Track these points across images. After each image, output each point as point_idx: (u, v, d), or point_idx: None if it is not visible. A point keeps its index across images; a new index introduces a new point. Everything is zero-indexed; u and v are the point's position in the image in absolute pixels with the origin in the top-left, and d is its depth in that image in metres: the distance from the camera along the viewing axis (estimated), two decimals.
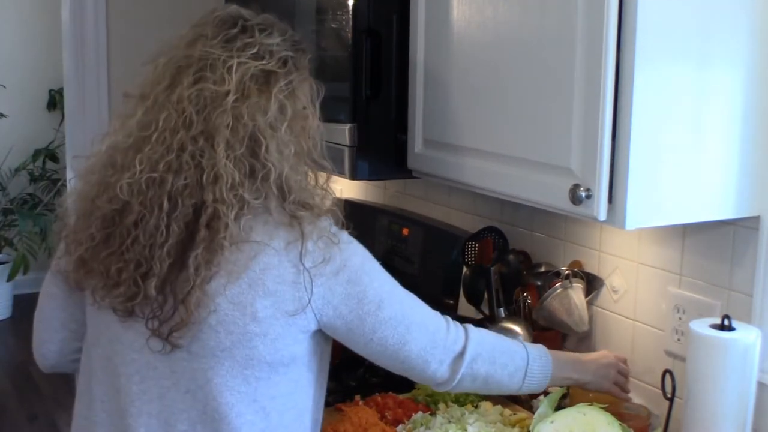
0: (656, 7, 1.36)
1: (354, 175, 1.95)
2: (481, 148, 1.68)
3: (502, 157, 1.63)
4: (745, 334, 1.52)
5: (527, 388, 1.59)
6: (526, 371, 1.56)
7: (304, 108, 1.43)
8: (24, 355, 5.19)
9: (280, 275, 1.35)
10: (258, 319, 1.35)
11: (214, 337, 1.36)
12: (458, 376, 1.49)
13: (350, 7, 1.91)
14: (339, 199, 1.50)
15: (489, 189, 1.69)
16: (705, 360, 1.52)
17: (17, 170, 5.72)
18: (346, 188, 2.84)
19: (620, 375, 1.73)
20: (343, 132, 1.94)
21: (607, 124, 1.39)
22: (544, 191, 1.53)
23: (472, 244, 2.11)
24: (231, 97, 1.33)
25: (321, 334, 1.44)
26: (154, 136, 1.34)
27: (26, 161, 5.72)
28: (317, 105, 1.47)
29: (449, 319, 1.52)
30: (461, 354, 1.49)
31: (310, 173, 1.43)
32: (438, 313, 1.51)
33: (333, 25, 2.01)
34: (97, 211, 1.38)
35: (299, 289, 1.36)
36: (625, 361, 1.76)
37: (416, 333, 1.45)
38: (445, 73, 1.77)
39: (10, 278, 5.40)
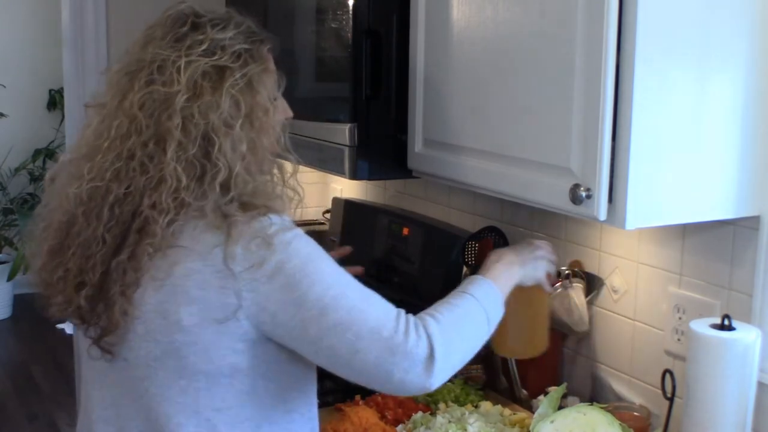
0: (656, 7, 1.36)
1: (354, 175, 1.95)
2: (481, 148, 1.68)
3: (502, 157, 1.63)
4: (745, 334, 1.52)
5: (494, 326, 1.48)
6: (487, 319, 1.45)
7: (264, 101, 1.38)
8: (24, 355, 5.20)
9: (204, 281, 1.29)
10: (184, 328, 1.31)
11: (144, 347, 1.34)
12: (435, 380, 1.34)
13: (350, 7, 1.91)
14: (301, 195, 1.42)
15: (489, 189, 1.69)
16: (705, 360, 1.53)
17: (17, 170, 5.72)
18: (346, 188, 2.84)
19: (551, 264, 1.66)
20: (343, 132, 1.94)
21: (607, 124, 1.39)
22: (544, 191, 1.53)
23: (472, 244, 2.11)
24: (182, 98, 1.31)
25: (275, 343, 1.36)
26: (105, 144, 1.33)
27: (26, 161, 5.73)
28: (279, 96, 1.45)
29: (409, 318, 1.36)
30: (430, 356, 1.33)
31: (275, 170, 1.41)
32: (396, 315, 1.35)
33: (333, 25, 2.01)
34: (54, 223, 1.39)
35: (227, 295, 1.29)
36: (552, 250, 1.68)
37: (368, 340, 1.31)
38: (445, 72, 1.77)
39: (10, 278, 5.41)
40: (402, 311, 1.37)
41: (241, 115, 1.34)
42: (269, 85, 1.41)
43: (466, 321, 1.43)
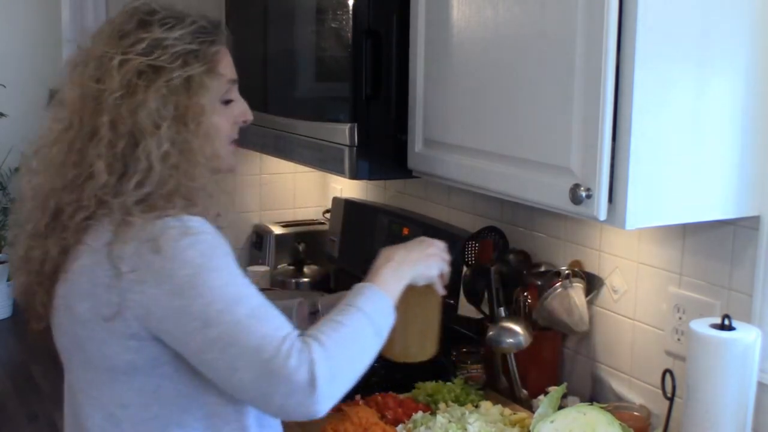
0: (656, 7, 1.36)
1: (354, 175, 1.95)
2: (481, 148, 1.68)
3: (502, 157, 1.63)
4: (745, 334, 1.52)
5: (385, 336, 1.42)
6: (377, 331, 1.39)
7: (202, 103, 1.37)
8: (24, 355, 5.18)
9: (96, 277, 1.31)
10: (81, 322, 1.33)
11: (60, 339, 1.41)
12: (320, 406, 1.29)
13: (350, 7, 1.91)
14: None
15: (489, 189, 1.69)
16: (705, 360, 1.53)
17: (17, 170, 5.71)
18: (346, 188, 2.84)
19: (444, 263, 1.58)
20: (343, 132, 1.94)
21: (607, 124, 1.39)
22: (544, 191, 1.53)
23: (472, 244, 2.11)
24: (115, 95, 1.32)
25: None
26: (52, 137, 1.37)
27: None
28: (235, 98, 1.47)
29: (294, 342, 1.28)
30: (311, 383, 1.26)
31: (206, 173, 1.38)
32: (282, 337, 1.28)
33: (333, 25, 2.01)
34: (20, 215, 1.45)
35: (113, 294, 1.29)
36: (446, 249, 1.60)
37: (247, 360, 1.26)
38: (445, 73, 1.77)
39: (10, 278, 5.40)
40: (293, 333, 1.30)
41: (171, 116, 1.34)
42: (214, 87, 1.40)
43: (354, 340, 1.36)
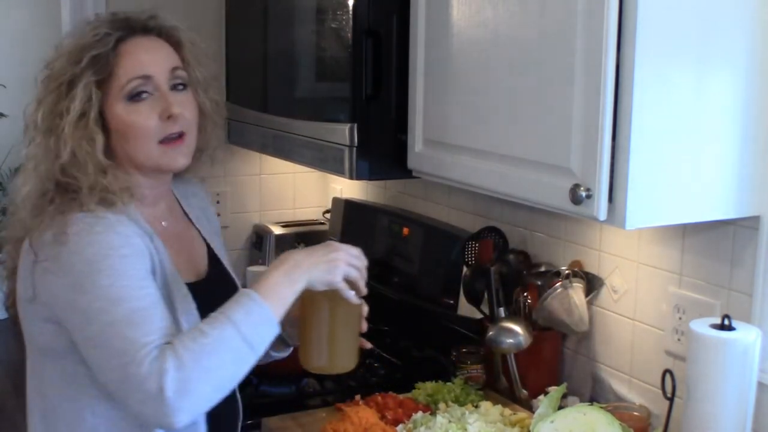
0: (656, 7, 1.36)
1: (354, 175, 1.95)
2: (481, 148, 1.68)
3: (502, 157, 1.63)
4: (745, 334, 1.52)
5: (262, 346, 1.39)
6: (248, 344, 1.36)
7: (67, 106, 1.45)
8: (24, 355, 5.19)
9: (24, 261, 1.45)
10: (19, 303, 1.48)
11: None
12: (177, 417, 1.31)
13: (350, 7, 1.91)
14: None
15: (489, 189, 1.69)
16: (705, 360, 1.52)
17: (17, 170, 5.71)
18: (346, 188, 2.84)
19: (351, 267, 1.47)
20: (343, 132, 1.94)
21: (607, 124, 1.39)
22: (544, 191, 1.53)
23: (472, 244, 2.11)
24: (33, 104, 1.49)
25: None
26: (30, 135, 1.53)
27: None
28: (117, 102, 1.48)
29: (152, 350, 1.31)
30: (160, 393, 1.28)
31: (92, 171, 1.46)
32: (145, 344, 1.31)
33: (333, 25, 2.01)
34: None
35: (30, 278, 1.42)
36: (360, 255, 1.50)
37: (111, 362, 1.33)
38: (445, 73, 1.77)
39: None
40: (158, 341, 1.32)
41: (66, 118, 1.44)
42: (80, 91, 1.44)
43: (214, 352, 1.34)
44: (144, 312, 1.35)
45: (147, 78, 1.47)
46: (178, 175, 1.66)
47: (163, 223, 1.58)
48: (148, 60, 1.48)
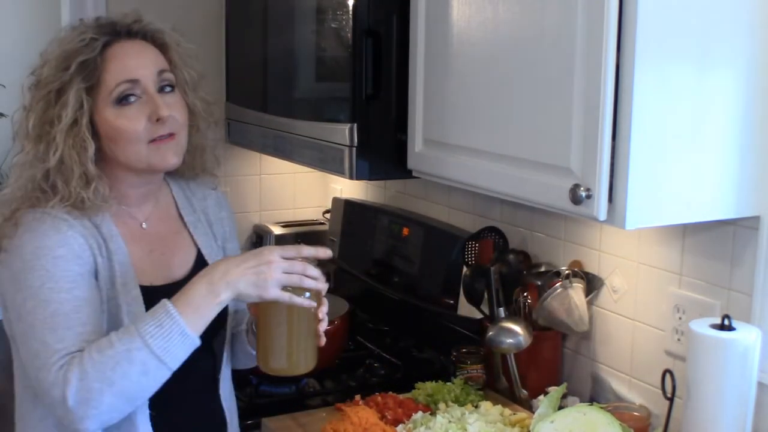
0: (656, 7, 1.36)
1: (354, 175, 1.95)
2: (481, 148, 1.68)
3: (501, 157, 1.63)
4: (745, 334, 1.52)
5: (175, 360, 1.37)
6: (156, 357, 1.35)
7: (57, 112, 1.46)
8: None
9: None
10: None
11: None
12: (84, 425, 1.36)
13: (350, 7, 1.91)
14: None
15: (489, 189, 1.69)
16: (705, 360, 1.52)
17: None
18: (346, 188, 2.84)
19: (288, 275, 1.39)
20: (343, 132, 1.94)
21: (607, 124, 1.39)
22: (544, 191, 1.52)
23: (472, 244, 2.11)
24: (21, 111, 1.52)
25: None
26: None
27: None
28: (114, 100, 1.48)
29: (62, 358, 1.36)
30: (63, 401, 1.34)
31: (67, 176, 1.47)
32: (57, 350, 1.36)
33: (333, 25, 2.01)
34: None
35: None
36: (303, 257, 1.43)
37: (30, 362, 1.40)
38: (445, 72, 1.77)
39: None
40: (70, 348, 1.37)
41: (34, 130, 1.47)
42: (72, 98, 1.45)
43: (120, 365, 1.34)
44: (64, 317, 1.38)
45: (134, 82, 1.47)
46: (191, 177, 1.67)
47: (143, 224, 1.58)
48: (134, 64, 1.48)
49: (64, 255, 1.41)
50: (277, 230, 2.86)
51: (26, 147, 1.48)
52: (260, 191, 2.93)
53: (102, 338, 1.38)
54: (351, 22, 1.91)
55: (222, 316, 1.51)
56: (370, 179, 2.04)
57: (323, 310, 1.49)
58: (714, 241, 1.66)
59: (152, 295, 1.47)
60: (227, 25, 2.59)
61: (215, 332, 1.59)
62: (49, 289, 1.39)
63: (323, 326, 1.49)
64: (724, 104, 1.47)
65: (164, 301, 1.39)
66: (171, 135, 1.50)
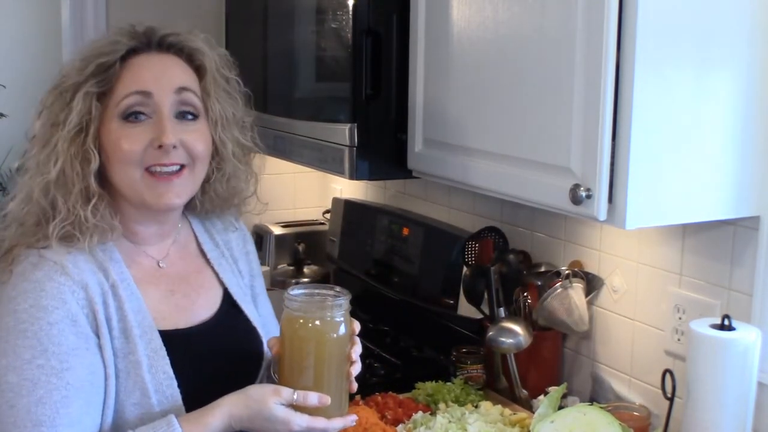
0: (656, 7, 1.36)
1: (354, 175, 1.95)
2: (481, 147, 1.68)
3: (502, 157, 1.63)
4: (745, 334, 1.52)
5: None
6: None
7: (53, 123, 1.33)
8: None
9: None
10: None
11: None
12: None
13: (350, 7, 1.91)
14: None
15: (489, 189, 1.69)
16: (705, 360, 1.52)
17: (18, 170, 5.71)
18: (346, 188, 2.84)
19: None
20: (343, 132, 1.94)
21: (607, 124, 1.39)
22: (544, 191, 1.53)
23: (472, 244, 2.11)
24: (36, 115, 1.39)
25: None
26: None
27: None
28: (109, 121, 1.33)
29: None
30: None
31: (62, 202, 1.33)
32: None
33: (333, 25, 2.01)
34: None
35: None
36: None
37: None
38: (445, 73, 1.77)
39: None
40: None
41: (42, 130, 1.35)
42: (80, 102, 1.31)
43: None
44: (51, 409, 1.23)
45: (145, 95, 1.31)
46: (212, 211, 1.51)
47: (159, 263, 1.42)
48: (149, 76, 1.32)
49: (59, 321, 1.25)
50: (277, 230, 2.86)
51: (33, 149, 1.35)
52: (260, 191, 2.93)
53: None
54: (351, 22, 1.91)
55: (255, 363, 1.44)
56: (370, 179, 2.04)
57: (357, 350, 1.36)
58: (714, 241, 1.66)
59: (176, 341, 1.35)
60: (227, 25, 2.59)
61: (249, 381, 1.41)
62: (38, 367, 1.23)
63: (357, 369, 1.36)
64: (723, 104, 1.47)
65: (170, 420, 1.26)
66: (178, 171, 1.33)
